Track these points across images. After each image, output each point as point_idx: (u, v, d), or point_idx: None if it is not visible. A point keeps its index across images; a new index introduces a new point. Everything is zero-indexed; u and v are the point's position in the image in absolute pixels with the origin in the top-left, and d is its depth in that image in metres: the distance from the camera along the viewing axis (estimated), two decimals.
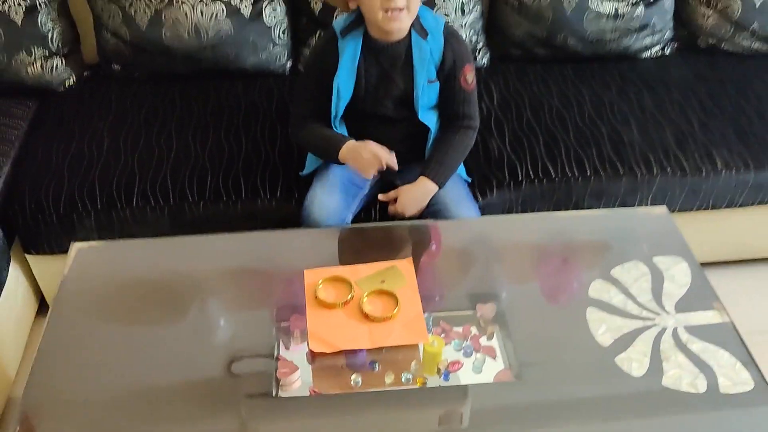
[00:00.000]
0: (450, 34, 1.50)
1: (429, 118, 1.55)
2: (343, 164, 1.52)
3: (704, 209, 1.80)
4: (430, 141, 1.57)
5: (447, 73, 1.51)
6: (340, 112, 1.53)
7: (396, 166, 1.49)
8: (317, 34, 2.00)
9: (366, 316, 1.23)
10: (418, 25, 1.48)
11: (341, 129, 1.56)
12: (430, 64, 1.49)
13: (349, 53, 1.47)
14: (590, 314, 1.24)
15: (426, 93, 1.51)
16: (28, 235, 1.70)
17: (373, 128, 1.55)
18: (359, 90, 1.51)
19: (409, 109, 1.53)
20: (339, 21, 1.51)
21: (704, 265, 1.39)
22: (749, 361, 1.16)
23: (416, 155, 1.58)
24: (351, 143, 1.49)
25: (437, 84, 1.52)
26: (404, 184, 1.59)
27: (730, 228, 1.89)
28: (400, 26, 1.42)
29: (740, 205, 1.80)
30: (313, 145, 1.59)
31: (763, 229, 1.91)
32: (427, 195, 1.53)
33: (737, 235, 1.92)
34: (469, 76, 1.53)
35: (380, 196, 1.56)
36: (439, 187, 1.53)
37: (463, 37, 1.98)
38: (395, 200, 1.54)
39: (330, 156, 1.53)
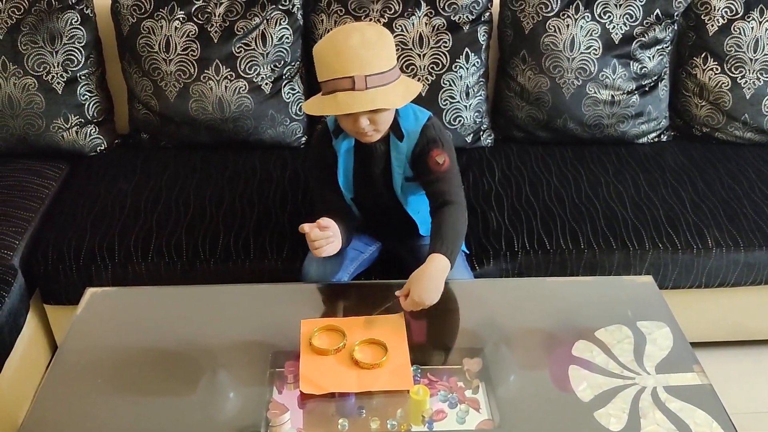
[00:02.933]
0: (427, 126, 1.51)
1: (415, 207, 1.61)
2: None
3: (697, 287, 1.85)
4: (420, 225, 1.61)
5: (417, 157, 1.52)
6: (348, 200, 1.60)
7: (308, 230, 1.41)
8: None
9: (356, 363, 1.28)
10: (395, 127, 1.49)
11: (355, 207, 1.63)
12: (405, 163, 1.53)
13: (343, 157, 1.54)
14: (572, 371, 1.29)
15: (407, 188, 1.57)
16: (48, 285, 1.80)
17: (372, 214, 1.64)
18: (351, 185, 1.58)
19: (397, 200, 1.59)
20: (331, 118, 1.54)
21: (697, 345, 1.41)
22: (727, 422, 1.19)
23: (411, 234, 1.65)
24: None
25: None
26: (403, 249, 1.67)
27: (723, 308, 1.93)
28: (372, 140, 1.47)
29: (733, 285, 1.85)
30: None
31: (756, 311, 1.94)
32: (440, 272, 1.37)
33: (730, 316, 1.95)
34: (439, 158, 1.49)
35: (397, 293, 1.40)
36: (451, 262, 1.39)
37: (468, 118, 2.13)
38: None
39: None
